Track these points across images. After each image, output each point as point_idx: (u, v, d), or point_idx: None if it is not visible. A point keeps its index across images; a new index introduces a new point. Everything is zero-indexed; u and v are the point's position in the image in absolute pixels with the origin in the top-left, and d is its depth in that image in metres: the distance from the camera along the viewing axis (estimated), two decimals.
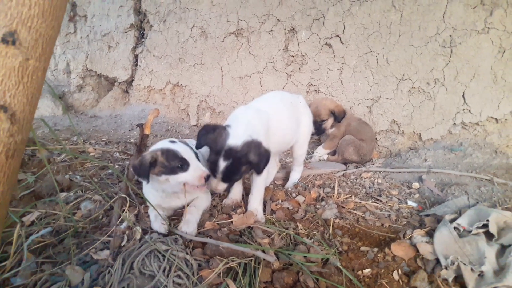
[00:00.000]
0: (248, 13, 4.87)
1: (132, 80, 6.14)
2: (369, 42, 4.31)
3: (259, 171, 2.40)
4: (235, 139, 2.30)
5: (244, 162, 2.31)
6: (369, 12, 4.25)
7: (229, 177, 2.36)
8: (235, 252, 2.01)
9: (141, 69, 5.93)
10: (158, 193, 2.41)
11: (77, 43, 6.58)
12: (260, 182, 2.66)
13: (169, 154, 2.23)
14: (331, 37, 4.48)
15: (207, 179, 2.28)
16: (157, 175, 2.24)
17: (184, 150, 2.30)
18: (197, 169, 2.27)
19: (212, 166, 2.34)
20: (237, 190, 2.83)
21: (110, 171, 3.27)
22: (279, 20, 4.69)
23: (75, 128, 5.44)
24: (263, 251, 2.04)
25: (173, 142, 2.36)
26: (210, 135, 2.36)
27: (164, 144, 2.32)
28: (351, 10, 4.33)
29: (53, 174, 3.11)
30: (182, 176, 2.25)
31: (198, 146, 2.42)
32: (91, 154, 4.01)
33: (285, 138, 2.94)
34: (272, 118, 2.66)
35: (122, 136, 5.13)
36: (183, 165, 2.25)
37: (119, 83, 6.29)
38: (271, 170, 3.37)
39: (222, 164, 2.29)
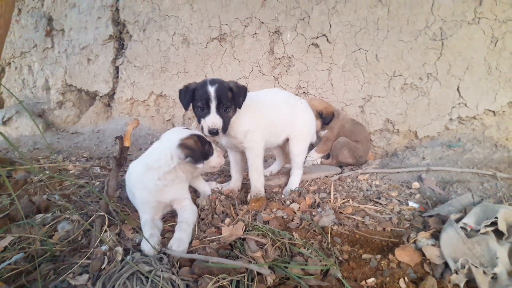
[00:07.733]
0: (230, 17, 4.70)
1: (114, 93, 5.90)
2: (357, 39, 4.15)
3: (238, 104, 2.60)
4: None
5: (227, 87, 2.56)
6: (355, 9, 4.10)
7: (220, 100, 2.52)
8: (225, 269, 1.87)
9: (123, 81, 5.71)
10: (159, 182, 2.36)
11: (55, 58, 6.34)
12: (252, 159, 2.86)
13: (202, 140, 2.47)
14: (317, 37, 4.32)
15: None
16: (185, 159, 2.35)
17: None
18: (217, 151, 2.64)
19: (202, 99, 2.53)
20: (236, 178, 3.09)
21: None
22: (262, 22, 4.53)
23: (49, 144, 5.24)
24: None
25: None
26: (190, 87, 2.62)
27: (182, 131, 2.50)
28: (336, 7, 4.18)
29: (30, 194, 2.97)
30: (213, 160, 2.59)
31: (186, 105, 2.64)
32: (70, 171, 3.81)
33: (278, 126, 3.02)
34: (265, 104, 2.94)
35: (105, 151, 4.94)
36: (210, 149, 2.55)
37: (101, 97, 6.05)
38: (279, 160, 3.65)
39: (211, 89, 2.51)
